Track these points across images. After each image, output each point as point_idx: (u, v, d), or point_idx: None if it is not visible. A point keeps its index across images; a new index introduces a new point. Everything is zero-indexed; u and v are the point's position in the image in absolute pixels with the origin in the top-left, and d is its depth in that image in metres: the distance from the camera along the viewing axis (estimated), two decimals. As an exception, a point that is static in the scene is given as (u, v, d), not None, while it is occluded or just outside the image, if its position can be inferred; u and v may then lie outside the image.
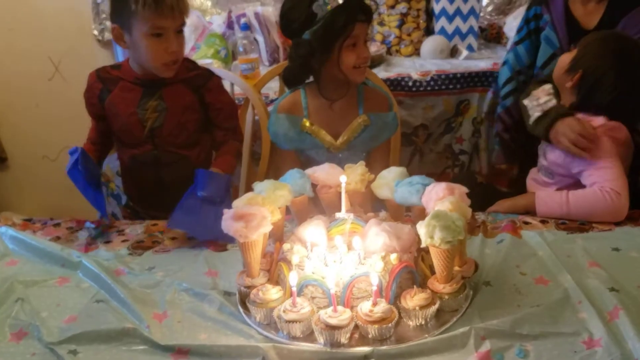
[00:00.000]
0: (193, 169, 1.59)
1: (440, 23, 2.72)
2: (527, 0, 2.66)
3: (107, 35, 2.84)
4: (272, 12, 2.67)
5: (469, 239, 1.33)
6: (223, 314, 1.16)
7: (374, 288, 1.04)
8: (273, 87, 2.28)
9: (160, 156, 1.75)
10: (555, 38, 1.97)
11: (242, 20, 2.63)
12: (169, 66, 1.65)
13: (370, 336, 1.05)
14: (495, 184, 2.47)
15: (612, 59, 1.56)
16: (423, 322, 1.07)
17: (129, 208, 1.93)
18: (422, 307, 1.06)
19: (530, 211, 1.52)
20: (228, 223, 1.13)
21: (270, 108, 1.95)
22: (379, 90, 1.84)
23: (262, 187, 1.27)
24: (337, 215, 1.27)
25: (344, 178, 1.29)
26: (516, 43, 2.13)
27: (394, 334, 1.06)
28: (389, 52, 2.77)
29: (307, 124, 1.73)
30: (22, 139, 2.98)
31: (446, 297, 1.10)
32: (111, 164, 2.24)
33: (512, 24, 2.62)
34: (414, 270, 1.12)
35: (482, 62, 2.53)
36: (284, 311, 1.06)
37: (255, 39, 2.67)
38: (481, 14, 2.83)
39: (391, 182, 1.27)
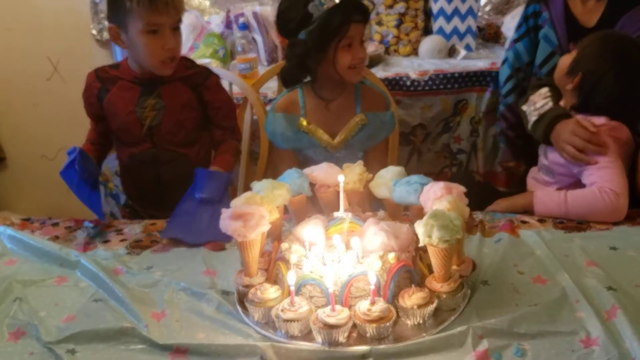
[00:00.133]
0: (192, 167, 1.59)
1: (439, 23, 2.72)
2: (525, 0, 2.66)
3: (106, 35, 2.83)
4: (270, 11, 2.67)
5: (466, 238, 1.33)
6: (221, 313, 1.16)
7: (372, 287, 1.04)
8: (271, 86, 2.28)
9: (159, 154, 1.75)
10: (554, 36, 1.96)
11: (241, 19, 2.63)
12: (167, 64, 1.65)
13: (368, 335, 1.05)
14: (493, 183, 2.48)
15: (611, 60, 1.56)
16: (421, 321, 1.07)
17: (128, 207, 1.93)
18: (420, 306, 1.06)
19: (529, 210, 1.52)
20: (226, 222, 1.13)
21: (268, 107, 1.95)
22: (377, 89, 1.84)
23: (261, 186, 1.27)
24: (335, 214, 1.27)
25: (342, 177, 1.29)
26: (515, 41, 2.12)
27: (392, 333, 1.06)
28: (387, 51, 2.76)
29: (305, 123, 1.73)
30: (20, 139, 2.98)
31: (444, 296, 1.10)
32: (110, 163, 2.23)
33: (510, 24, 2.62)
34: (412, 269, 1.12)
35: (480, 62, 2.53)
36: (282, 310, 1.06)
37: (253, 39, 2.66)
38: (479, 14, 2.82)
39: (389, 181, 1.27)
